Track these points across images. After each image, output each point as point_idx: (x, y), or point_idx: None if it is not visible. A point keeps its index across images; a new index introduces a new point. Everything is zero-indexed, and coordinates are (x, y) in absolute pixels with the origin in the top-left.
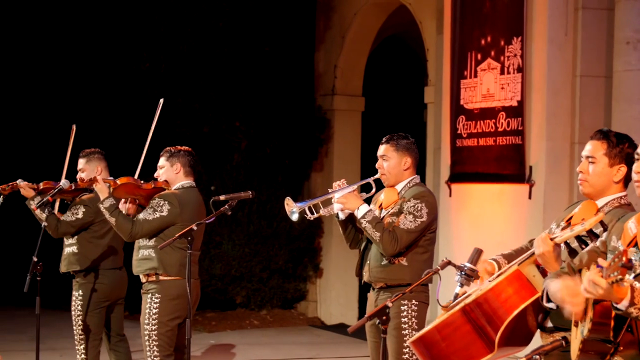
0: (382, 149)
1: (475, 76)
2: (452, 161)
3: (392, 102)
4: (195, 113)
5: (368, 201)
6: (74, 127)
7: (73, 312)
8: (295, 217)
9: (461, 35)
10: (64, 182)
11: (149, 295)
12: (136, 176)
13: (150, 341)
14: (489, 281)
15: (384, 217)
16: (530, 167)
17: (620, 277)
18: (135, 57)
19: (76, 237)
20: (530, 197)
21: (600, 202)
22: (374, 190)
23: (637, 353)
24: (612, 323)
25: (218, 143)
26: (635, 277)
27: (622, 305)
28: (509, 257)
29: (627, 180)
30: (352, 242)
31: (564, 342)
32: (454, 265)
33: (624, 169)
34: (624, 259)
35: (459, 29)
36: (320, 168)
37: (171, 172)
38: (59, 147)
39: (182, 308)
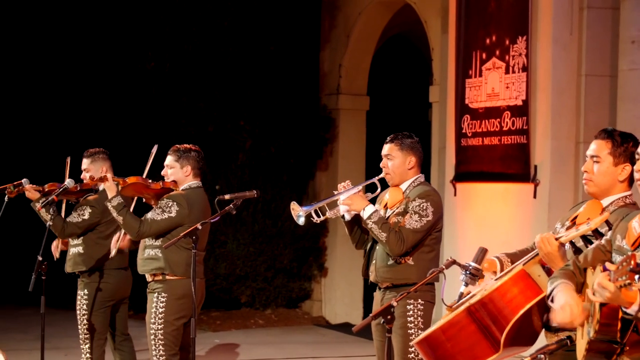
0: (386, 148)
1: (480, 75)
2: (457, 160)
3: (397, 101)
4: (200, 112)
5: (373, 201)
6: (69, 159)
7: (78, 312)
8: (302, 220)
9: (466, 35)
10: (69, 182)
11: (155, 295)
12: (144, 176)
13: (156, 340)
14: (493, 279)
15: (389, 217)
16: (535, 167)
17: (628, 281)
18: (140, 57)
19: (82, 237)
20: (535, 197)
21: (605, 202)
22: (379, 190)
23: None
24: (619, 324)
25: (223, 142)
26: None
27: (632, 310)
28: (514, 257)
29: (632, 179)
30: (357, 243)
31: (568, 342)
32: (459, 265)
33: (628, 168)
34: (632, 262)
35: (464, 28)
36: (325, 167)
37: (181, 173)
38: (64, 147)
39: (188, 307)
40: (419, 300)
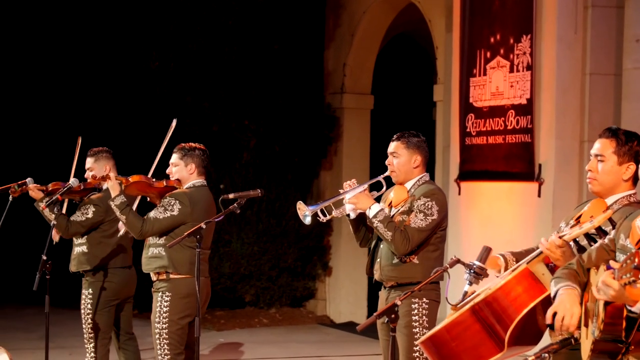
0: (392, 146)
1: (485, 74)
2: (461, 159)
3: (401, 100)
4: (205, 112)
5: (379, 199)
6: (80, 138)
7: (82, 311)
8: (308, 220)
9: (470, 33)
10: (73, 181)
11: (160, 294)
12: (149, 175)
13: (161, 339)
14: (498, 277)
15: (394, 215)
16: (540, 165)
17: (633, 279)
18: (145, 56)
19: (86, 236)
20: (539, 195)
21: (609, 200)
22: (384, 188)
23: None
24: (624, 323)
25: (227, 141)
26: None
27: (637, 308)
28: (519, 256)
29: (636, 178)
30: (362, 241)
31: (572, 341)
32: (463, 264)
33: (633, 167)
34: (636, 260)
35: (468, 27)
36: (329, 166)
37: (185, 171)
38: (69, 147)
39: (193, 306)
40: (424, 299)
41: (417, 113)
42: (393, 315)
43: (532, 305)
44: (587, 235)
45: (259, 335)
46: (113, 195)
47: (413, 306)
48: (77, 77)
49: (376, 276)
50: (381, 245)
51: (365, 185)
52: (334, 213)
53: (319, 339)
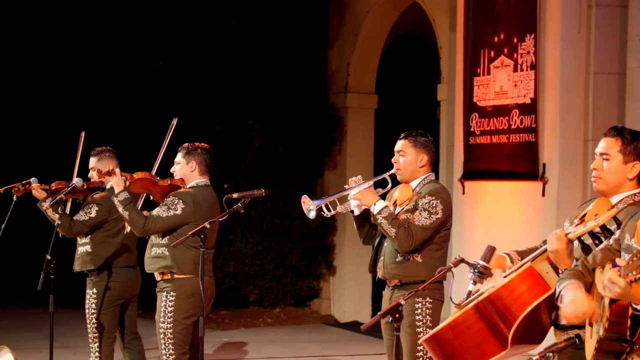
0: (399, 144)
1: (489, 73)
2: (465, 159)
3: (405, 100)
4: (209, 111)
5: (384, 197)
6: (83, 133)
7: (87, 310)
8: (312, 215)
9: (474, 33)
10: (76, 181)
11: (164, 294)
12: (155, 167)
13: (166, 339)
14: (503, 276)
15: (398, 213)
16: (544, 165)
17: (639, 276)
18: (149, 56)
19: (89, 236)
20: (543, 195)
21: (614, 199)
22: (389, 185)
23: None
24: (629, 322)
25: (231, 141)
26: None
27: None
28: (523, 254)
29: None
30: (365, 238)
31: (577, 340)
32: (467, 263)
33: (638, 166)
34: None
35: (472, 27)
36: (333, 166)
37: (186, 169)
38: (72, 147)
39: (197, 306)
40: (427, 299)
41: (421, 112)
42: (397, 315)
43: (535, 303)
44: (592, 234)
45: (263, 335)
46: (117, 191)
47: (416, 305)
48: (81, 76)
49: (379, 274)
50: (385, 244)
51: (371, 182)
52: (339, 208)
53: (323, 338)
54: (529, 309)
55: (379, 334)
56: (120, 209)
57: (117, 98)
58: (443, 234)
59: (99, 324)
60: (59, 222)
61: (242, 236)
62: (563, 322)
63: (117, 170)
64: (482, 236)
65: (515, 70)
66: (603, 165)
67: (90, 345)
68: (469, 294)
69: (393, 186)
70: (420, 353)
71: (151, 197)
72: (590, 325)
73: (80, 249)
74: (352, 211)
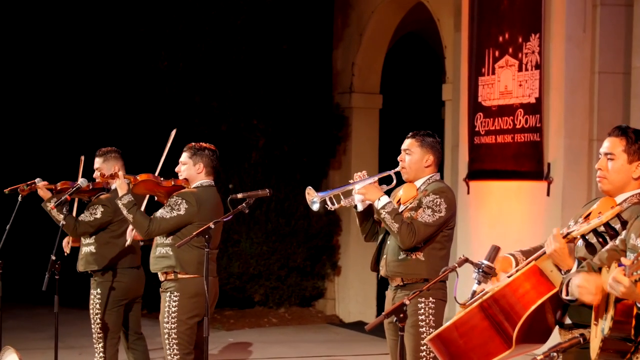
0: (406, 143)
1: (493, 73)
2: (470, 158)
3: (410, 100)
4: (213, 111)
5: (388, 194)
6: (83, 158)
7: (91, 311)
8: (316, 207)
9: (479, 33)
10: (81, 181)
11: (168, 294)
12: (159, 169)
13: (170, 339)
14: (507, 277)
15: (402, 211)
16: (549, 164)
17: None
18: (154, 56)
19: (94, 236)
20: (548, 194)
21: (618, 199)
22: (394, 182)
23: None
24: (634, 322)
25: (236, 141)
26: None
27: None
28: (528, 254)
29: None
30: (367, 235)
31: (581, 339)
32: (472, 263)
33: None
34: None
35: (477, 26)
36: (338, 166)
37: (193, 170)
38: (77, 146)
39: (201, 306)
40: (430, 299)
41: (425, 112)
42: (402, 315)
43: (540, 302)
44: (597, 233)
45: (268, 335)
46: (120, 194)
47: (419, 305)
48: (86, 77)
49: (382, 272)
50: (388, 241)
51: (375, 178)
52: (342, 202)
53: (328, 338)
54: (533, 307)
55: (384, 334)
56: (125, 212)
57: (123, 98)
58: (446, 233)
59: (104, 324)
60: (64, 223)
61: (247, 236)
62: (568, 321)
63: (120, 173)
64: (487, 236)
65: (520, 70)
66: (608, 165)
67: (95, 346)
68: (474, 293)
69: (397, 184)
70: (424, 353)
71: (155, 198)
72: (596, 324)
73: (84, 249)
74: (355, 207)
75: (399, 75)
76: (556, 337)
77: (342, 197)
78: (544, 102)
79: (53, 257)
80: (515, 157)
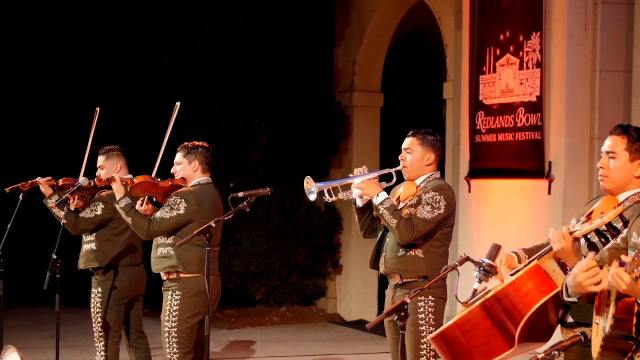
0: (407, 142)
1: (494, 72)
2: (471, 157)
3: (411, 98)
4: (214, 110)
5: (387, 191)
6: (98, 109)
7: (92, 309)
8: (313, 197)
9: (480, 31)
10: (82, 180)
11: (170, 293)
12: (154, 174)
13: (170, 338)
14: (510, 275)
15: (402, 208)
16: (550, 163)
17: None
18: (154, 55)
19: (95, 234)
20: (549, 193)
21: (620, 198)
22: (394, 180)
23: None
24: (635, 320)
25: (237, 140)
26: None
27: None
28: (530, 252)
29: None
30: (366, 231)
31: (582, 338)
32: (473, 261)
33: None
34: None
35: (478, 25)
36: (339, 164)
37: (189, 169)
38: (78, 143)
39: (203, 305)
40: (430, 297)
41: (427, 111)
42: (402, 314)
43: (542, 301)
44: (599, 232)
45: (269, 334)
46: (118, 198)
47: (419, 304)
48: (87, 75)
49: (381, 269)
50: (387, 239)
51: (375, 174)
52: (340, 195)
53: (330, 337)
54: (535, 306)
55: (385, 333)
56: (123, 215)
57: (124, 97)
58: (445, 231)
59: (105, 322)
60: (65, 222)
61: (248, 235)
62: (570, 319)
63: (117, 176)
64: (488, 234)
65: (521, 68)
66: (609, 164)
67: (96, 344)
68: (475, 292)
69: (397, 182)
70: (424, 352)
71: (154, 199)
72: (597, 322)
73: (85, 247)
74: (354, 203)
75: (400, 74)
76: (558, 335)
77: (340, 189)
78: (544, 100)
79: (54, 256)
80: (516, 156)
